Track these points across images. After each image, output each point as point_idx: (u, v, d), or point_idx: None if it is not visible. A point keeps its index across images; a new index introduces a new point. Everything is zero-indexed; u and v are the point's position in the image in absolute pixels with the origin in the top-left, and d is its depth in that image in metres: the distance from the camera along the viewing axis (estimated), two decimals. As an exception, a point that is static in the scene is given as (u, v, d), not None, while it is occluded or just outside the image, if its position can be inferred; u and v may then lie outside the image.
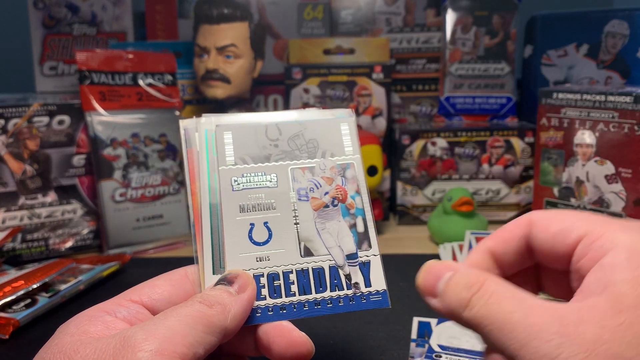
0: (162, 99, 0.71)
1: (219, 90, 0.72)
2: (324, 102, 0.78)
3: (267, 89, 0.84)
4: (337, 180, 0.37)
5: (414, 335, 0.45)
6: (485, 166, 0.76)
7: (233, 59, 0.72)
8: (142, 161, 0.69)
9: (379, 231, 0.73)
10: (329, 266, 0.34)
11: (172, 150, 0.71)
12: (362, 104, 0.78)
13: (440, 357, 0.41)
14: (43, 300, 0.51)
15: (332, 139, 0.37)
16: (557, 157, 0.70)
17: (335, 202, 0.36)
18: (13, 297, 0.50)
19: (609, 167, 0.65)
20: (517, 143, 0.75)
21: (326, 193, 0.36)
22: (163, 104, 0.71)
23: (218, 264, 0.33)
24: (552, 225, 0.28)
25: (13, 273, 0.55)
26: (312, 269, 0.34)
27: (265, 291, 0.32)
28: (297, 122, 0.38)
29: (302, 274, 0.33)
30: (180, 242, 0.71)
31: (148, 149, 0.69)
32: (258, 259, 0.33)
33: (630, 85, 0.70)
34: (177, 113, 0.72)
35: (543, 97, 0.70)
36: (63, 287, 0.53)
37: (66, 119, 0.66)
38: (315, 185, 0.36)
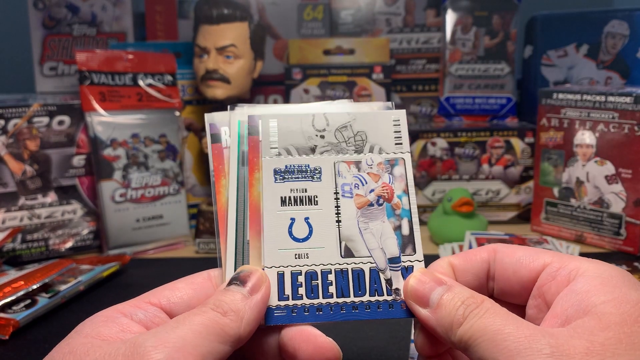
0: (162, 100, 0.71)
1: (218, 91, 0.72)
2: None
3: (267, 90, 0.84)
4: (384, 178, 0.34)
5: (414, 336, 0.45)
6: (485, 166, 0.76)
7: (233, 60, 0.72)
8: (142, 162, 0.69)
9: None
10: (370, 269, 0.32)
11: (172, 151, 0.71)
12: (362, 105, 0.78)
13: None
14: (43, 300, 0.51)
15: (381, 132, 0.35)
16: (557, 157, 0.70)
17: (381, 201, 0.34)
18: (13, 297, 0.50)
19: (609, 168, 0.65)
20: (517, 143, 0.75)
21: (372, 191, 0.34)
22: (163, 104, 0.71)
23: (240, 264, 0.31)
24: (517, 252, 0.30)
25: (13, 273, 0.55)
26: (352, 270, 0.32)
27: (302, 290, 0.31)
28: (347, 112, 0.35)
29: (341, 275, 0.32)
30: (180, 243, 0.71)
31: (148, 150, 0.69)
32: (297, 256, 0.32)
33: (630, 86, 0.70)
34: (177, 113, 0.72)
35: (543, 97, 0.70)
36: (63, 287, 0.53)
37: (66, 119, 0.66)
38: (361, 181, 0.34)
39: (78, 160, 0.68)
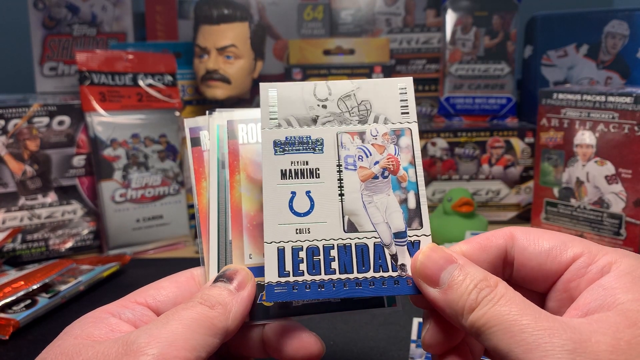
0: (162, 100, 0.71)
1: (219, 91, 0.72)
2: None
3: (267, 90, 0.84)
4: (389, 149, 0.33)
5: (414, 336, 0.45)
6: (485, 166, 0.76)
7: (233, 60, 0.72)
8: (142, 162, 0.69)
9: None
10: (374, 244, 0.31)
11: (172, 151, 0.71)
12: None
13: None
14: (43, 301, 0.51)
15: (387, 101, 0.33)
16: (557, 157, 0.70)
17: (386, 173, 0.32)
18: (13, 297, 0.50)
19: (609, 168, 0.65)
20: (517, 143, 0.75)
21: (376, 162, 0.32)
22: (163, 104, 0.71)
23: (224, 263, 0.32)
24: (542, 241, 0.28)
25: (13, 274, 0.55)
26: (355, 245, 0.30)
27: (303, 266, 0.30)
28: (350, 81, 0.33)
29: (344, 250, 0.30)
30: (180, 243, 0.71)
31: (148, 150, 0.69)
32: (297, 231, 0.31)
33: (630, 86, 0.70)
34: (177, 114, 0.72)
35: (543, 97, 0.70)
36: (63, 287, 0.53)
37: (66, 119, 0.66)
38: (365, 153, 0.33)
39: (78, 161, 0.68)
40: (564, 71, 0.82)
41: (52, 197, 0.66)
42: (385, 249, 0.30)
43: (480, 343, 0.25)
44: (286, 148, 0.32)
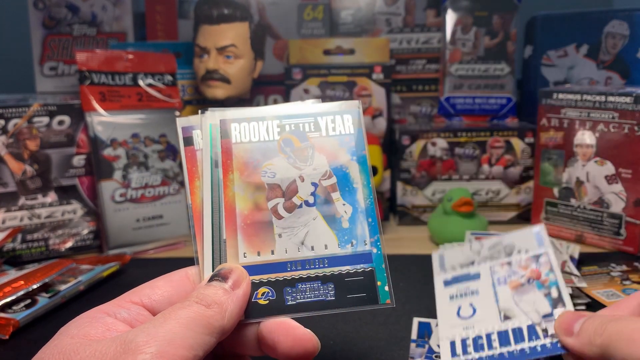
0: (162, 100, 0.71)
1: (219, 91, 0.72)
2: (324, 102, 0.78)
3: (267, 90, 0.84)
4: (531, 266, 0.45)
5: (414, 335, 0.45)
6: (486, 166, 0.76)
7: (233, 60, 0.72)
8: (142, 161, 0.69)
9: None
10: (527, 325, 0.39)
11: (172, 151, 0.71)
12: (362, 105, 0.78)
13: (440, 357, 0.41)
14: (43, 300, 0.51)
15: (525, 241, 0.47)
16: (557, 157, 0.70)
17: (531, 280, 0.43)
18: (13, 297, 0.50)
19: (609, 168, 0.65)
20: (517, 143, 0.75)
21: (522, 276, 0.44)
22: (163, 104, 0.71)
23: (218, 262, 0.32)
24: None
25: (13, 273, 0.55)
26: (511, 329, 0.39)
27: (470, 349, 0.39)
28: (496, 236, 0.51)
29: (502, 333, 0.39)
30: (180, 243, 0.71)
31: (148, 150, 0.69)
32: (464, 328, 0.41)
33: (630, 86, 0.70)
34: (177, 113, 0.72)
35: (543, 97, 0.70)
36: (63, 287, 0.53)
37: (66, 119, 0.66)
38: (514, 272, 0.45)
39: (78, 160, 0.68)
40: (564, 71, 0.82)
41: (52, 196, 0.66)
42: (537, 327, 0.39)
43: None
44: (452, 282, 0.48)
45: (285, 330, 0.30)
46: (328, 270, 0.32)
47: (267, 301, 0.31)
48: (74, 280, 0.55)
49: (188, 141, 0.35)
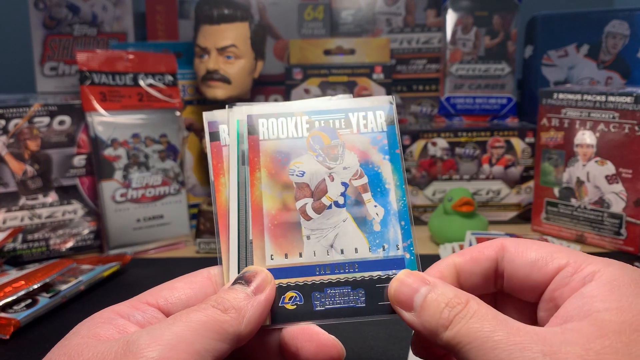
0: (162, 100, 0.71)
1: (219, 91, 0.72)
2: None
3: (267, 90, 0.84)
4: None
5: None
6: (486, 166, 0.76)
7: (233, 60, 0.72)
8: (142, 161, 0.69)
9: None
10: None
11: (172, 151, 0.71)
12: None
13: None
14: (44, 300, 0.51)
15: None
16: (557, 157, 0.70)
17: None
18: (14, 297, 0.50)
19: (609, 168, 0.65)
20: (518, 143, 0.75)
21: None
22: (163, 104, 0.71)
23: (244, 264, 0.31)
24: (529, 252, 0.28)
25: (14, 273, 0.55)
26: None
27: None
28: None
29: None
30: (181, 243, 0.71)
31: (149, 150, 0.69)
32: None
33: (631, 86, 0.70)
34: (178, 113, 0.72)
35: (543, 97, 0.70)
36: (64, 287, 0.53)
37: (67, 119, 0.67)
38: None
39: (79, 160, 0.68)
40: (564, 71, 0.82)
41: (52, 196, 0.66)
42: None
43: None
44: None
45: (309, 336, 0.29)
46: (358, 275, 0.31)
47: (295, 306, 0.30)
48: (75, 280, 0.55)
49: (214, 136, 0.33)
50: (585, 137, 0.66)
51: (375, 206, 0.32)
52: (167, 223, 0.70)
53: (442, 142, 0.75)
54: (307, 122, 0.34)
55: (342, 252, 0.31)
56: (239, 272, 0.30)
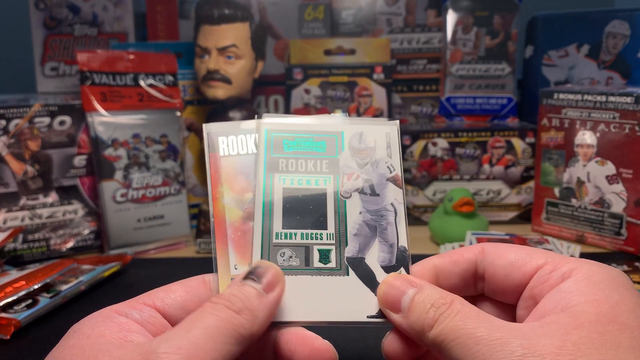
0: (163, 100, 0.71)
1: (220, 91, 0.72)
2: (325, 102, 0.78)
3: (268, 90, 0.85)
4: None
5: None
6: (486, 167, 0.76)
7: (234, 60, 0.72)
8: (143, 162, 0.69)
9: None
10: None
11: (173, 151, 0.71)
12: (363, 105, 0.79)
13: None
14: (44, 300, 0.51)
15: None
16: (558, 157, 0.70)
17: None
18: (14, 297, 0.50)
19: (609, 168, 0.65)
20: (518, 143, 0.75)
21: None
22: (164, 104, 0.71)
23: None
24: (509, 254, 0.30)
25: (14, 273, 0.55)
26: None
27: None
28: None
29: None
30: (181, 243, 0.71)
31: (149, 150, 0.69)
32: None
33: (631, 86, 0.70)
34: (178, 114, 0.72)
35: (544, 97, 0.70)
36: (64, 287, 0.53)
37: (67, 119, 0.67)
38: None
39: (79, 161, 0.68)
40: (564, 71, 0.82)
41: (53, 197, 0.66)
42: None
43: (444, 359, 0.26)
44: None
45: (302, 340, 0.29)
46: None
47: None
48: (75, 281, 0.55)
49: (213, 147, 0.35)
50: (586, 137, 0.66)
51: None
52: (167, 223, 0.70)
53: (442, 142, 0.75)
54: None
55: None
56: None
